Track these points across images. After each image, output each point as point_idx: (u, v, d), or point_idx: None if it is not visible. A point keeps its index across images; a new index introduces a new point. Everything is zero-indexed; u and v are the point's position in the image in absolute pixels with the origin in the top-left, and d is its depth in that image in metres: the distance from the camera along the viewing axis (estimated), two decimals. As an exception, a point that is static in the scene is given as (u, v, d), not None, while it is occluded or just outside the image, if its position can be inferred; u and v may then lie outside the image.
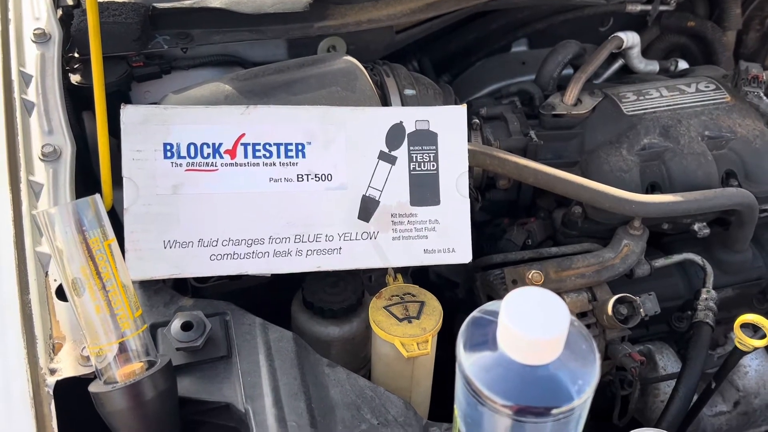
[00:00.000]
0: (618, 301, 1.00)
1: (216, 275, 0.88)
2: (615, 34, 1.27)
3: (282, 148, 0.88)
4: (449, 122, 0.92)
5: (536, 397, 0.53)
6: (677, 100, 1.18)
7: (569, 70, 1.25)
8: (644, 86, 1.21)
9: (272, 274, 0.88)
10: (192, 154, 0.86)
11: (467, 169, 0.93)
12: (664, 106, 1.17)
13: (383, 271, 0.94)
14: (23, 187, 0.90)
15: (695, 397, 0.99)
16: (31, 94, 1.00)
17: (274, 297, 0.98)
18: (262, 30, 1.14)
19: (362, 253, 0.89)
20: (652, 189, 1.11)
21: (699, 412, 1.00)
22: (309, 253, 0.88)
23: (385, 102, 1.06)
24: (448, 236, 0.91)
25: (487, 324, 0.57)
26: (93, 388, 0.70)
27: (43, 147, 0.93)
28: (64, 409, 0.73)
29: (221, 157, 0.87)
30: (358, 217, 0.89)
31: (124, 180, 0.84)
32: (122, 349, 0.71)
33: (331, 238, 0.88)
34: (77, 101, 1.05)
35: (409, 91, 1.08)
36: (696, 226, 1.10)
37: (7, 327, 0.78)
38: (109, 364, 0.70)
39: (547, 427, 0.55)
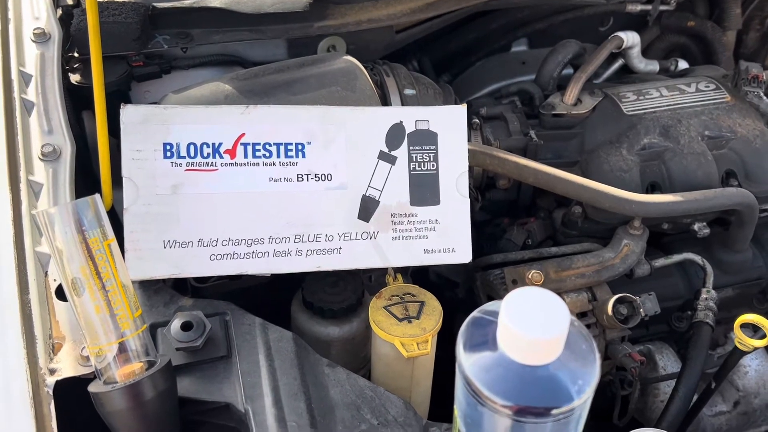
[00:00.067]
0: (618, 301, 1.00)
1: (216, 275, 0.88)
2: (615, 34, 1.27)
3: (282, 148, 0.88)
4: (449, 122, 0.92)
5: (536, 397, 0.53)
6: (677, 99, 1.18)
7: (569, 70, 1.25)
8: (644, 86, 1.21)
9: (272, 274, 0.88)
10: (192, 154, 0.86)
11: (467, 168, 0.93)
12: (664, 106, 1.17)
13: (383, 271, 0.94)
14: (23, 186, 0.90)
15: (695, 397, 0.99)
16: (31, 94, 1.00)
17: (273, 297, 0.98)
18: (262, 30, 1.14)
19: (362, 253, 0.89)
20: (652, 189, 1.11)
21: (699, 412, 1.00)
22: (309, 253, 0.88)
23: (385, 102, 1.06)
24: (448, 236, 0.91)
25: (487, 324, 0.56)
26: (93, 388, 0.70)
27: (42, 147, 0.93)
28: (63, 409, 0.73)
29: (221, 156, 0.86)
30: (358, 217, 0.89)
31: (124, 180, 0.84)
32: (122, 349, 0.71)
33: (331, 238, 0.88)
34: (77, 101, 1.05)
35: (409, 91, 1.08)
36: (696, 226, 1.10)
37: (6, 327, 0.78)
38: (108, 364, 0.70)
39: (547, 428, 0.55)
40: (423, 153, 0.91)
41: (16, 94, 0.99)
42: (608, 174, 1.10)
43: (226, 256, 0.86)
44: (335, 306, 0.92)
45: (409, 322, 0.84)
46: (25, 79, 1.01)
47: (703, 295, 1.05)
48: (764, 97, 1.21)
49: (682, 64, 1.42)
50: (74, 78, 1.05)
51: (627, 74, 1.37)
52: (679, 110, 1.16)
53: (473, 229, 0.93)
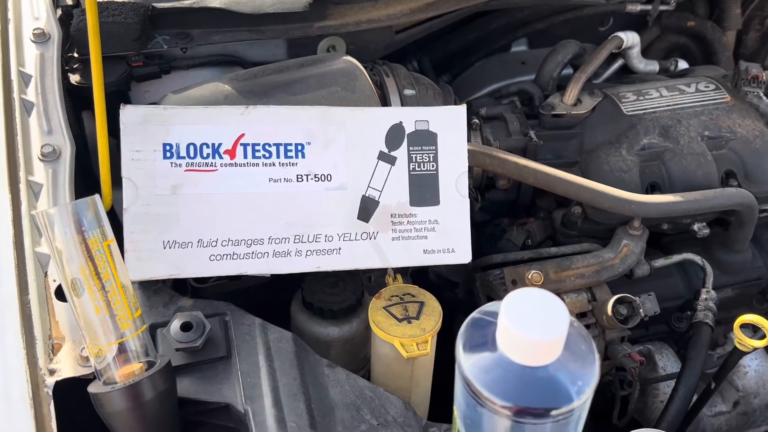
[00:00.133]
0: (618, 302, 1.00)
1: (215, 275, 0.88)
2: (615, 34, 1.27)
3: (281, 149, 0.88)
4: (449, 122, 0.92)
5: (536, 398, 0.53)
6: (677, 100, 1.18)
7: (569, 70, 1.25)
8: (644, 86, 1.21)
9: (272, 275, 0.88)
10: (191, 155, 0.86)
11: (467, 169, 0.93)
12: (663, 106, 1.17)
13: (383, 272, 0.94)
14: (22, 187, 0.90)
15: (695, 398, 0.99)
16: (31, 94, 1.00)
17: (273, 297, 0.98)
18: (262, 30, 1.14)
19: (362, 254, 0.89)
20: (651, 189, 1.11)
21: (698, 413, 1.00)
22: (308, 253, 0.88)
23: (385, 102, 1.06)
24: (447, 236, 0.91)
25: (486, 325, 0.56)
26: (92, 388, 0.70)
27: (42, 147, 0.93)
28: (63, 409, 0.73)
29: (221, 157, 0.86)
30: (358, 218, 0.89)
31: (124, 180, 0.84)
32: (121, 349, 0.71)
33: (330, 239, 0.88)
34: (77, 101, 1.05)
35: (408, 91, 1.08)
36: (696, 227, 1.10)
37: (6, 327, 0.78)
38: (108, 364, 0.70)
39: (546, 428, 0.55)
40: (423, 153, 0.91)
41: (15, 95, 0.99)
42: (608, 174, 1.10)
43: (225, 256, 0.86)
44: (335, 306, 0.92)
45: (409, 322, 0.84)
46: (24, 79, 1.01)
47: (703, 296, 1.05)
48: (764, 98, 1.21)
49: (682, 65, 1.42)
50: (74, 78, 1.05)
51: (627, 74, 1.37)
52: (679, 110, 1.16)
53: (473, 230, 0.93)
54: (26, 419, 0.71)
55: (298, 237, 0.88)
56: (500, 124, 1.17)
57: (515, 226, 1.18)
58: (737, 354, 0.90)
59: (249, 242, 0.86)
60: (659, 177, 1.10)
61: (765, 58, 1.67)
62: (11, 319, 0.79)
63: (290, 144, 0.88)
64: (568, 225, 1.13)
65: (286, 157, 0.88)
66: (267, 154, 0.88)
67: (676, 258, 1.10)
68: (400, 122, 0.91)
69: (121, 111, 0.84)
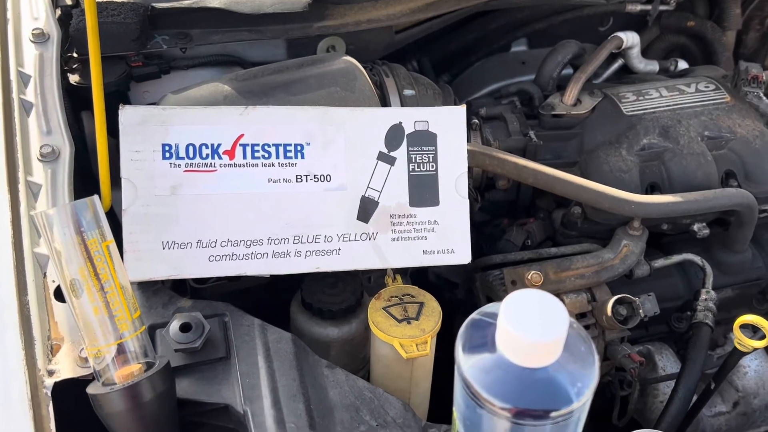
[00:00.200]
0: (617, 302, 1.00)
1: (215, 276, 0.88)
2: (615, 34, 1.27)
3: (281, 149, 0.88)
4: (448, 123, 0.92)
5: (535, 399, 0.53)
6: (677, 100, 1.18)
7: (569, 70, 1.25)
8: (644, 86, 1.21)
9: (271, 275, 0.88)
10: (191, 155, 0.86)
11: (466, 169, 0.92)
12: (663, 107, 1.17)
13: (382, 272, 0.94)
14: (21, 187, 0.90)
15: (695, 398, 0.99)
16: (30, 95, 0.99)
17: (272, 298, 0.98)
18: (262, 30, 1.14)
19: (361, 254, 0.89)
20: (651, 189, 1.10)
21: (698, 413, 1.00)
22: (308, 254, 0.88)
23: (385, 102, 1.06)
24: (447, 237, 0.91)
25: (486, 326, 0.56)
26: (91, 389, 0.70)
27: (41, 147, 0.93)
28: (62, 410, 0.73)
29: (220, 157, 0.86)
30: (357, 218, 0.89)
31: (123, 181, 0.84)
32: (120, 350, 0.71)
33: (330, 239, 0.88)
34: (76, 101, 1.05)
35: (408, 92, 1.08)
36: (695, 227, 1.10)
37: (5, 328, 0.78)
38: (107, 365, 0.70)
39: (546, 430, 0.54)
40: (422, 154, 0.91)
41: (14, 95, 0.99)
42: (608, 174, 1.10)
43: (225, 257, 0.86)
44: (334, 307, 0.92)
45: (409, 323, 0.84)
46: (23, 79, 1.01)
47: (703, 296, 1.05)
48: (764, 98, 1.21)
49: (682, 65, 1.42)
50: (73, 78, 1.05)
51: (627, 74, 1.37)
52: (679, 111, 1.16)
53: (472, 230, 0.93)
54: (25, 420, 0.71)
55: (297, 237, 0.88)
56: (500, 124, 1.16)
57: (515, 227, 1.17)
58: (737, 354, 0.90)
59: (248, 243, 0.86)
60: (659, 177, 1.10)
61: (765, 58, 1.67)
62: (10, 319, 0.79)
63: (289, 144, 0.88)
64: (568, 225, 1.13)
65: (285, 157, 0.88)
66: (266, 155, 0.88)
67: (676, 258, 1.10)
68: (400, 122, 0.91)
69: (120, 111, 0.84)
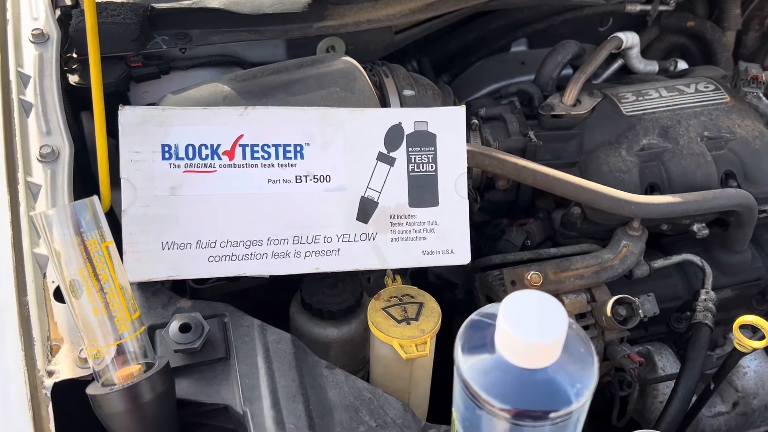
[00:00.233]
0: (617, 302, 1.00)
1: (214, 277, 0.88)
2: (614, 35, 1.27)
3: (280, 150, 0.88)
4: (448, 123, 0.92)
5: (534, 400, 0.53)
6: (676, 100, 1.18)
7: (569, 71, 1.25)
8: (643, 87, 1.21)
9: (271, 276, 0.88)
10: (190, 156, 0.86)
11: (466, 170, 0.92)
12: (663, 107, 1.17)
13: (382, 273, 0.94)
14: (21, 188, 0.90)
15: (694, 398, 0.99)
16: (29, 95, 0.99)
17: (272, 298, 0.98)
18: (261, 30, 1.13)
19: (361, 255, 0.89)
20: (651, 190, 1.10)
21: (698, 413, 1.00)
22: (307, 254, 0.88)
23: (384, 103, 1.06)
24: (446, 237, 0.91)
25: (485, 327, 0.56)
26: (91, 390, 0.70)
27: (41, 148, 0.93)
28: (61, 411, 0.73)
29: (219, 158, 0.86)
30: (357, 219, 0.89)
31: (122, 181, 0.84)
32: (120, 351, 0.71)
33: (329, 240, 0.88)
34: (75, 102, 1.05)
35: (408, 92, 1.08)
36: (695, 227, 1.10)
37: (4, 329, 0.78)
38: (106, 366, 0.70)
39: (545, 431, 0.55)
40: (422, 154, 0.91)
41: (14, 95, 0.99)
42: (607, 175, 1.10)
43: (224, 257, 0.86)
44: (334, 307, 0.92)
45: (408, 323, 0.84)
46: (23, 79, 1.01)
47: (702, 296, 1.05)
48: (763, 98, 1.21)
49: (682, 65, 1.42)
50: (73, 79, 1.05)
51: (626, 75, 1.37)
52: (679, 111, 1.16)
53: (472, 230, 0.93)
54: (24, 421, 0.71)
55: (297, 238, 0.88)
56: (499, 124, 1.16)
57: (514, 227, 1.17)
58: (736, 355, 0.90)
59: (248, 243, 0.86)
60: (659, 177, 1.10)
61: (765, 59, 1.67)
62: (9, 320, 0.79)
63: (289, 145, 0.88)
64: (568, 226, 1.13)
65: (285, 158, 0.88)
66: (266, 155, 0.88)
67: (676, 259, 1.10)
68: (399, 123, 0.91)
69: (119, 112, 0.84)
